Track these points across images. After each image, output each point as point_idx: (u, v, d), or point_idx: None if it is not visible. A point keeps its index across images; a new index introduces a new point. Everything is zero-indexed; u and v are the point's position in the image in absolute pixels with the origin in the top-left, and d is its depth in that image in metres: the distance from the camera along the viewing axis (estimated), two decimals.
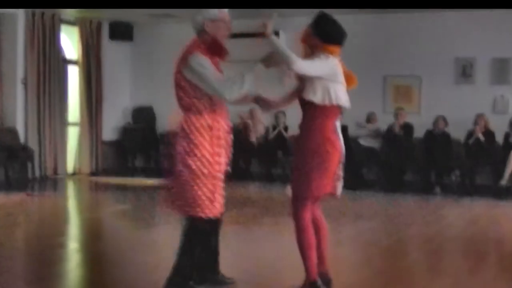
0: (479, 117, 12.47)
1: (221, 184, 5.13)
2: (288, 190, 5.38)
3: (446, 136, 12.71)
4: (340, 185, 5.36)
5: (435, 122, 12.77)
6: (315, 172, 5.17)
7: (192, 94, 5.02)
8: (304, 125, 5.30)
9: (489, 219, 10.11)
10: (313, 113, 5.22)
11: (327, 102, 5.16)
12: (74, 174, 14.61)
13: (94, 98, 14.99)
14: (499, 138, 12.44)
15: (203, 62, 4.97)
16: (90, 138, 14.93)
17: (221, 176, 5.13)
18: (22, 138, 13.35)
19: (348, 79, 5.33)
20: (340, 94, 5.20)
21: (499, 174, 11.98)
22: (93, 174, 14.73)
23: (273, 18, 4.99)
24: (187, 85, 5.01)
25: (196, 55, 4.98)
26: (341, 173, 5.34)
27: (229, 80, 4.95)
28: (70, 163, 14.75)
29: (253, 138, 13.99)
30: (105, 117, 15.33)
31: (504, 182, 11.89)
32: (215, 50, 5.13)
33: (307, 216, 5.26)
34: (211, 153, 5.02)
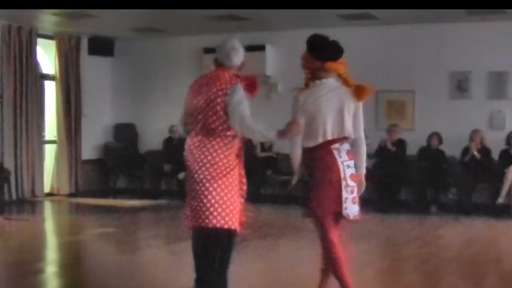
0: (475, 133, 12.53)
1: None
2: None
3: (440, 153, 12.79)
4: (351, 207, 5.54)
5: (429, 139, 12.85)
6: (313, 192, 5.53)
7: None
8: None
9: (487, 239, 10.17)
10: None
11: (311, 145, 5.55)
12: (52, 194, 14.58)
13: (73, 115, 14.98)
14: (496, 155, 12.52)
15: (243, 94, 5.28)
16: (69, 157, 14.89)
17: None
18: None
19: (358, 92, 5.60)
20: (331, 127, 5.50)
21: (497, 192, 12.08)
22: (72, 195, 14.70)
23: None
24: None
25: (240, 86, 5.28)
26: (348, 195, 5.50)
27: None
28: (48, 183, 14.74)
29: None
30: (85, 135, 15.33)
31: (501, 200, 11.97)
32: (251, 88, 5.45)
33: (329, 235, 5.53)
34: (240, 175, 5.43)
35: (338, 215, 5.55)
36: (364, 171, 5.63)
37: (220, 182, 5.27)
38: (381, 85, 13.60)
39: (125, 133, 15.80)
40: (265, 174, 13.89)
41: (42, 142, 14.50)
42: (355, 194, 5.54)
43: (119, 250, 8.94)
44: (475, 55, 13.06)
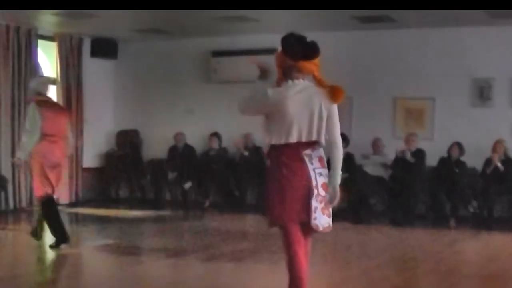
0: (498, 143, 12.50)
1: None
2: None
3: (461, 164, 12.75)
4: (321, 218, 5.43)
5: (450, 149, 12.81)
6: (274, 199, 5.45)
7: None
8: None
9: (509, 255, 10.13)
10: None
11: (275, 142, 5.45)
12: None
13: (74, 121, 15.00)
14: None
15: None
16: (69, 165, 14.92)
17: None
18: None
19: (333, 93, 5.43)
20: (297, 130, 5.38)
21: None
22: (72, 204, 14.75)
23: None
24: None
25: None
26: (318, 205, 5.39)
27: None
28: None
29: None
30: (86, 142, 15.41)
31: None
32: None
33: (295, 247, 5.41)
34: None
35: (307, 227, 5.43)
36: (339, 181, 5.47)
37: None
38: (399, 92, 13.70)
39: (128, 140, 15.84)
40: None
41: None
42: (319, 203, 5.42)
43: (120, 262, 8.96)
44: (499, 61, 13.05)
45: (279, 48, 5.50)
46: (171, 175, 14.77)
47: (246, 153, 14.38)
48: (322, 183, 5.43)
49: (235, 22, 13.11)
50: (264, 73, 5.58)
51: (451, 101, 13.40)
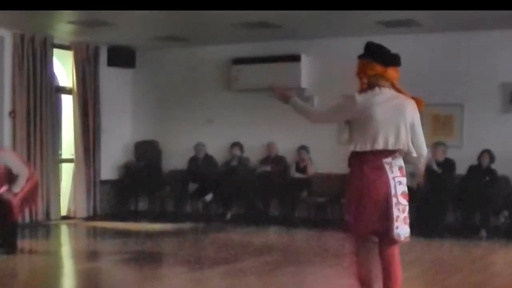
0: None
1: None
2: None
3: (492, 172, 12.72)
4: (402, 227, 5.56)
5: (480, 157, 12.77)
6: (352, 207, 5.62)
7: None
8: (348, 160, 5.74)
9: None
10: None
11: (358, 149, 5.57)
12: (68, 218, 14.72)
13: (91, 131, 15.13)
14: None
15: None
16: (86, 177, 15.02)
17: None
18: None
19: (417, 102, 5.78)
20: (383, 137, 5.54)
21: None
22: (90, 218, 14.82)
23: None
24: None
25: None
26: (400, 214, 5.54)
27: None
28: (64, 206, 14.87)
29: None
30: (104, 153, 15.49)
31: None
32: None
33: (361, 256, 5.71)
34: None
35: (387, 237, 5.56)
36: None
37: None
38: (425, 98, 13.29)
39: (147, 151, 15.89)
40: (299, 196, 13.92)
41: (58, 161, 14.67)
42: (406, 213, 5.56)
43: (139, 277, 9.00)
44: None
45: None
46: (192, 187, 14.81)
47: (268, 168, 14.40)
48: (402, 192, 5.58)
49: (256, 28, 13.14)
50: (284, 99, 5.80)
51: (480, 107, 13.36)
